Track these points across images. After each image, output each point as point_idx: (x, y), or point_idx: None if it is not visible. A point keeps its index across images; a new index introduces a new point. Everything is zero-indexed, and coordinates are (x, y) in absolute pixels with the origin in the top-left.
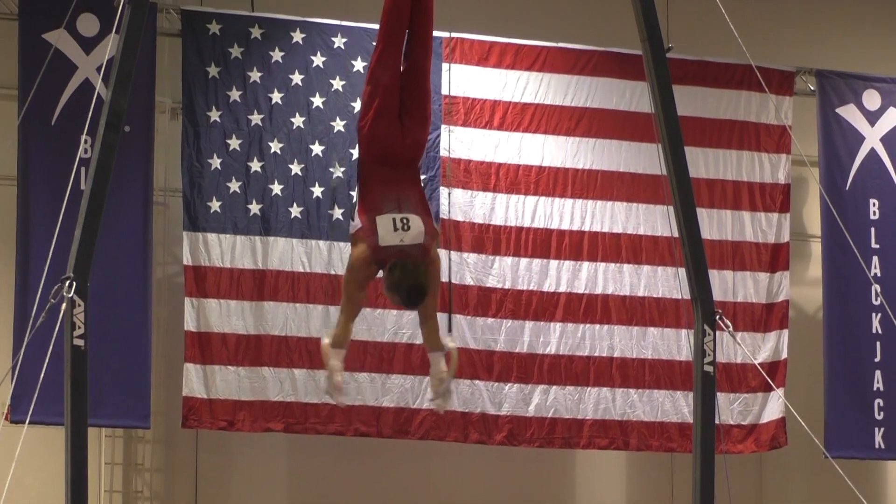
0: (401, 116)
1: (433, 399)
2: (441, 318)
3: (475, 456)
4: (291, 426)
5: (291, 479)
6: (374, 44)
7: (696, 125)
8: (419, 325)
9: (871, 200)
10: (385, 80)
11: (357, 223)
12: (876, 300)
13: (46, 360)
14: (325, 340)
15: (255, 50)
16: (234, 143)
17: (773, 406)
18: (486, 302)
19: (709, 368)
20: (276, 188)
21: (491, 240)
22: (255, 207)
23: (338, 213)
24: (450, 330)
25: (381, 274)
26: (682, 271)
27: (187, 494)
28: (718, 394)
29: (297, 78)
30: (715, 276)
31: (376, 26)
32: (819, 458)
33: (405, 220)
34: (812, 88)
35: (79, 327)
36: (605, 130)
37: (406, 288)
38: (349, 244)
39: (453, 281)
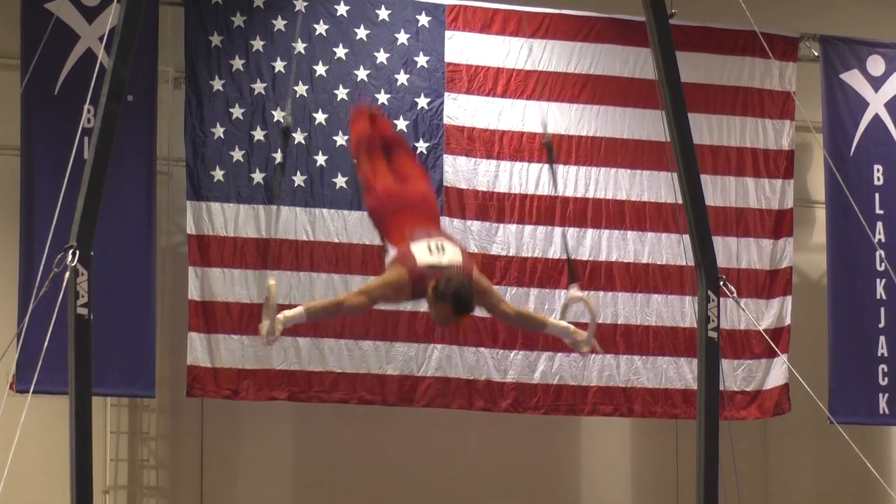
0: (402, 182)
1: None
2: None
3: (480, 423)
4: (295, 394)
5: (297, 446)
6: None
7: (699, 91)
8: (512, 324)
9: (876, 166)
10: (377, 171)
11: (392, 253)
12: (880, 266)
13: (50, 330)
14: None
15: (257, 18)
16: (237, 112)
17: (777, 372)
18: (491, 269)
19: (713, 334)
20: (280, 157)
21: (495, 207)
22: (258, 176)
23: (341, 181)
24: None
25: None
26: (685, 238)
27: (193, 463)
28: (722, 360)
29: (299, 46)
30: (719, 242)
31: None
32: (823, 424)
33: (440, 245)
34: (816, 54)
35: (82, 296)
36: (609, 97)
37: (452, 292)
38: (352, 212)
39: None
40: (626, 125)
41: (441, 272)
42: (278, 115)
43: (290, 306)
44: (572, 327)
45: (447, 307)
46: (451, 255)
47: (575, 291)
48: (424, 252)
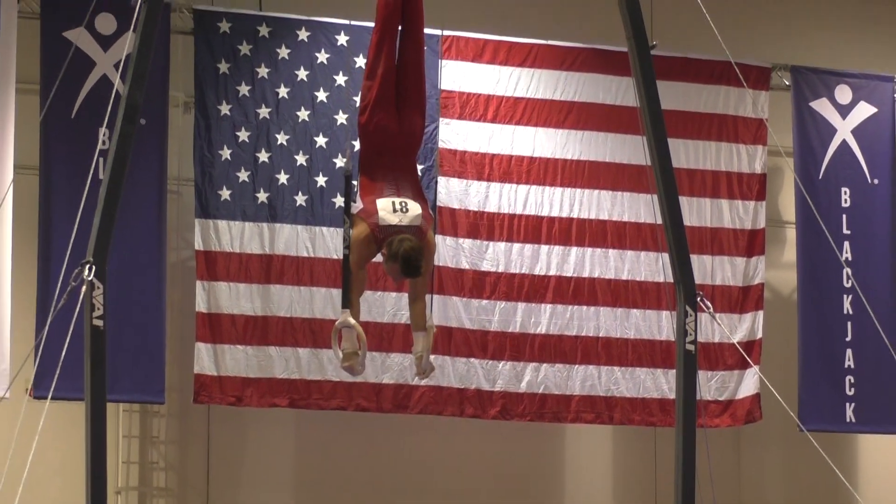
0: (398, 106)
1: (418, 375)
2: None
3: (470, 430)
4: (296, 402)
5: (298, 450)
6: (370, 39)
7: (677, 118)
8: (409, 305)
9: (843, 189)
10: (381, 71)
11: (359, 205)
12: (847, 283)
13: (67, 340)
14: (340, 319)
15: (262, 47)
16: (243, 135)
17: (749, 382)
18: (481, 285)
19: (690, 347)
20: (283, 178)
21: (485, 226)
22: (262, 196)
23: (340, 201)
24: (433, 311)
25: (380, 258)
26: (663, 256)
27: (200, 465)
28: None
29: (302, 74)
30: (695, 260)
31: None
32: (794, 431)
33: (403, 204)
34: (787, 83)
35: (98, 308)
36: (593, 123)
37: (403, 254)
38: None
39: (450, 265)
40: (608, 149)
41: (398, 232)
42: (282, 138)
43: (291, 319)
44: (418, 354)
45: (396, 267)
46: (411, 216)
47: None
48: (388, 209)
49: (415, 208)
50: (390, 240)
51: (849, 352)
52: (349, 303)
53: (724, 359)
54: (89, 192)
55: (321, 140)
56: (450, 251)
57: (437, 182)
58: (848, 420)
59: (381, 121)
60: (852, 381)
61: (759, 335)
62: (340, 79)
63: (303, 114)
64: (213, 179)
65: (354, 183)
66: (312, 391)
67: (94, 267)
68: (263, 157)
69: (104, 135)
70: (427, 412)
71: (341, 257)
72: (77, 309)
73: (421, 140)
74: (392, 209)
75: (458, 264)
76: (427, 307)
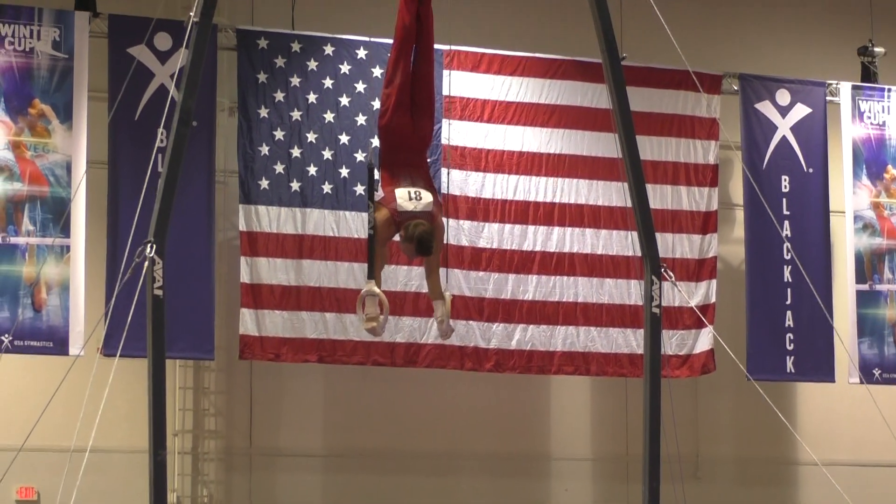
0: (412, 111)
1: (441, 337)
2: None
3: (469, 380)
4: (323, 358)
5: (326, 398)
6: (389, 55)
7: (643, 118)
8: (425, 278)
9: (783, 177)
10: (398, 81)
11: (381, 193)
12: (787, 255)
13: (133, 307)
14: (365, 288)
15: (295, 60)
16: (279, 135)
17: (704, 340)
18: (478, 259)
19: (656, 310)
20: (312, 170)
21: (481, 210)
22: (295, 185)
23: (360, 189)
24: (447, 282)
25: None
26: (632, 234)
27: (244, 412)
28: None
29: (328, 82)
30: (658, 237)
31: (391, 41)
32: (742, 381)
33: (417, 193)
34: (736, 88)
35: (158, 280)
36: (572, 123)
37: (417, 236)
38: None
39: (452, 243)
40: (585, 145)
41: (413, 217)
42: (311, 136)
43: (319, 289)
44: (439, 319)
45: (412, 247)
46: (424, 203)
47: (446, 291)
48: (405, 197)
49: (427, 197)
50: (407, 224)
51: (788, 313)
52: (373, 274)
53: (682, 320)
54: (149, 183)
55: (344, 138)
56: (452, 231)
57: (441, 173)
58: (788, 371)
59: (398, 123)
60: (791, 338)
61: (713, 300)
62: (360, 86)
63: (329, 116)
64: (254, 171)
65: (376, 174)
66: (337, 349)
67: (154, 245)
68: (296, 152)
69: (162, 134)
70: (433, 366)
71: (362, 237)
72: (140, 281)
73: (431, 139)
74: (408, 197)
75: (459, 242)
76: (441, 278)
